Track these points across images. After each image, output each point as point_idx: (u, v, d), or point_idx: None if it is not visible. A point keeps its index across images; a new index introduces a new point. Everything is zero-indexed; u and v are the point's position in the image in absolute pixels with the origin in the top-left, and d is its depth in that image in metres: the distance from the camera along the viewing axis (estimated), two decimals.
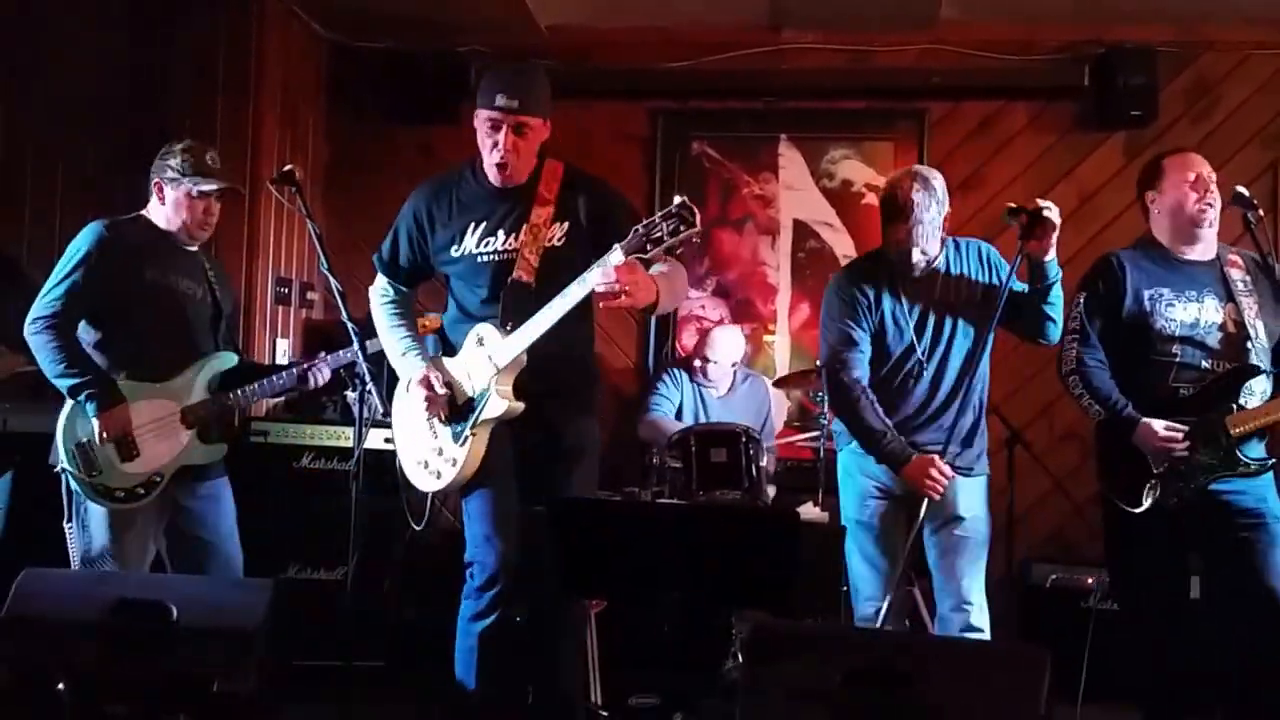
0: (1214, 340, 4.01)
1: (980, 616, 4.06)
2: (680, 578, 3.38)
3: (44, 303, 4.12)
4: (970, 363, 4.11)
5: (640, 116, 6.88)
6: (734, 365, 6.15)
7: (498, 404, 3.75)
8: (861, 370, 4.15)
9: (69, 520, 4.15)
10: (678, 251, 3.63)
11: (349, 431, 5.25)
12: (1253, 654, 3.94)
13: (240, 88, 6.12)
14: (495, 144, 3.77)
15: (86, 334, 4.20)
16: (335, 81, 7.00)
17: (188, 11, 6.13)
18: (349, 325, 3.93)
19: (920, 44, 6.65)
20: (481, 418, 3.77)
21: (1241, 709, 4.07)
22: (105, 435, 4.06)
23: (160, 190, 4.29)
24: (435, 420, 3.86)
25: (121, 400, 4.10)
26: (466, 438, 3.79)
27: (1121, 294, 4.09)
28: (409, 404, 3.94)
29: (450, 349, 3.97)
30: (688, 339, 6.68)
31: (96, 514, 4.11)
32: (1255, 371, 3.97)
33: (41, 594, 3.27)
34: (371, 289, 4.11)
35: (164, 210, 4.31)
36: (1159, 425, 3.92)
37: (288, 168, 4.19)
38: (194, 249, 4.42)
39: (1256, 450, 3.97)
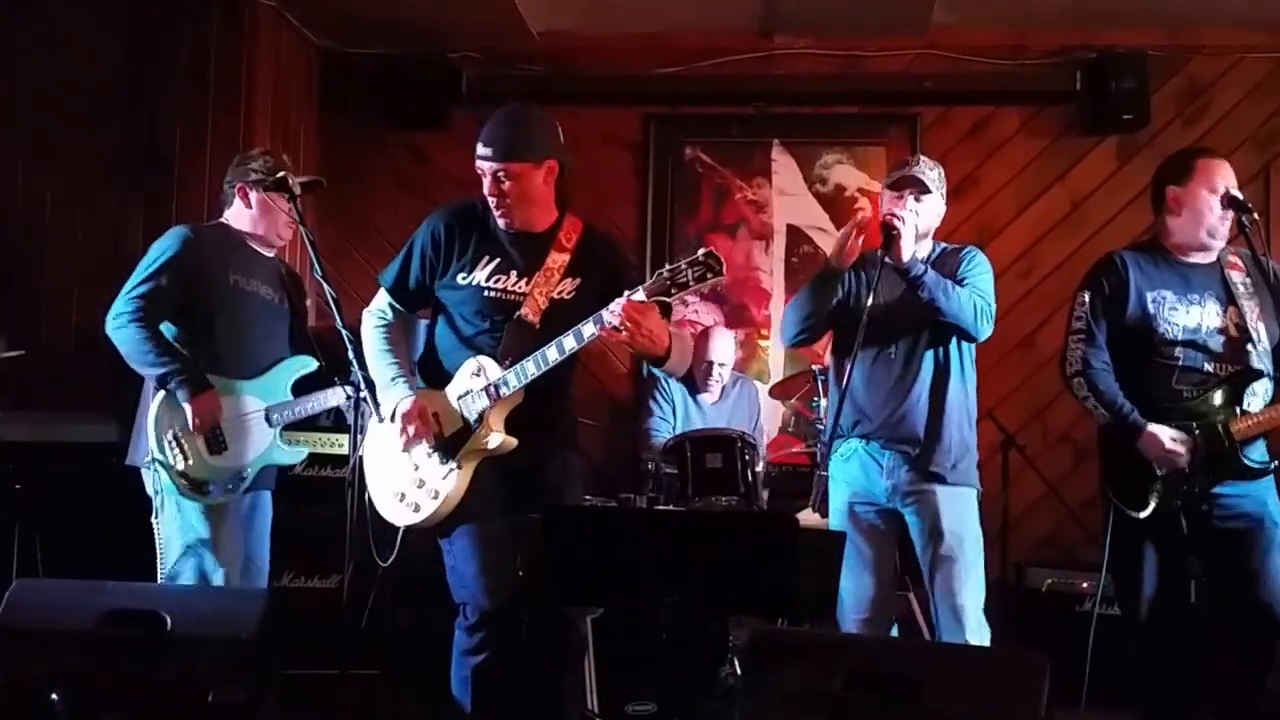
0: (1216, 344, 4.00)
1: (976, 637, 3.98)
2: (678, 584, 3.36)
3: (126, 300, 4.15)
4: (942, 366, 4.08)
5: (632, 122, 6.88)
6: (731, 363, 6.15)
7: (493, 437, 3.71)
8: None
9: (156, 516, 4.13)
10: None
11: (343, 439, 5.24)
12: (1250, 657, 3.94)
13: (232, 94, 6.12)
14: (487, 189, 3.77)
15: (168, 334, 4.21)
16: (327, 88, 6.98)
17: (180, 18, 6.12)
18: (343, 332, 3.90)
19: (912, 49, 6.65)
20: (472, 448, 3.73)
21: (1238, 712, 4.06)
22: (198, 422, 4.08)
23: (244, 194, 4.36)
24: (418, 451, 3.79)
25: (211, 388, 4.13)
26: (452, 470, 3.73)
27: (1126, 294, 4.06)
28: (387, 434, 3.85)
29: (434, 378, 3.90)
30: None
31: (191, 510, 4.11)
32: (1257, 375, 3.97)
33: (34, 604, 3.25)
34: (367, 310, 4.00)
35: (248, 214, 4.38)
36: (1165, 435, 3.91)
37: (281, 174, 4.17)
38: (271, 255, 4.48)
39: (1258, 453, 3.97)
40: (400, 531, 3.86)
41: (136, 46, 6.12)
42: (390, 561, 3.88)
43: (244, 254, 4.36)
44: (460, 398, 3.77)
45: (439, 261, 3.86)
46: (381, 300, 3.97)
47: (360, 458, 3.95)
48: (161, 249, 4.22)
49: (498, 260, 3.81)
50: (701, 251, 3.45)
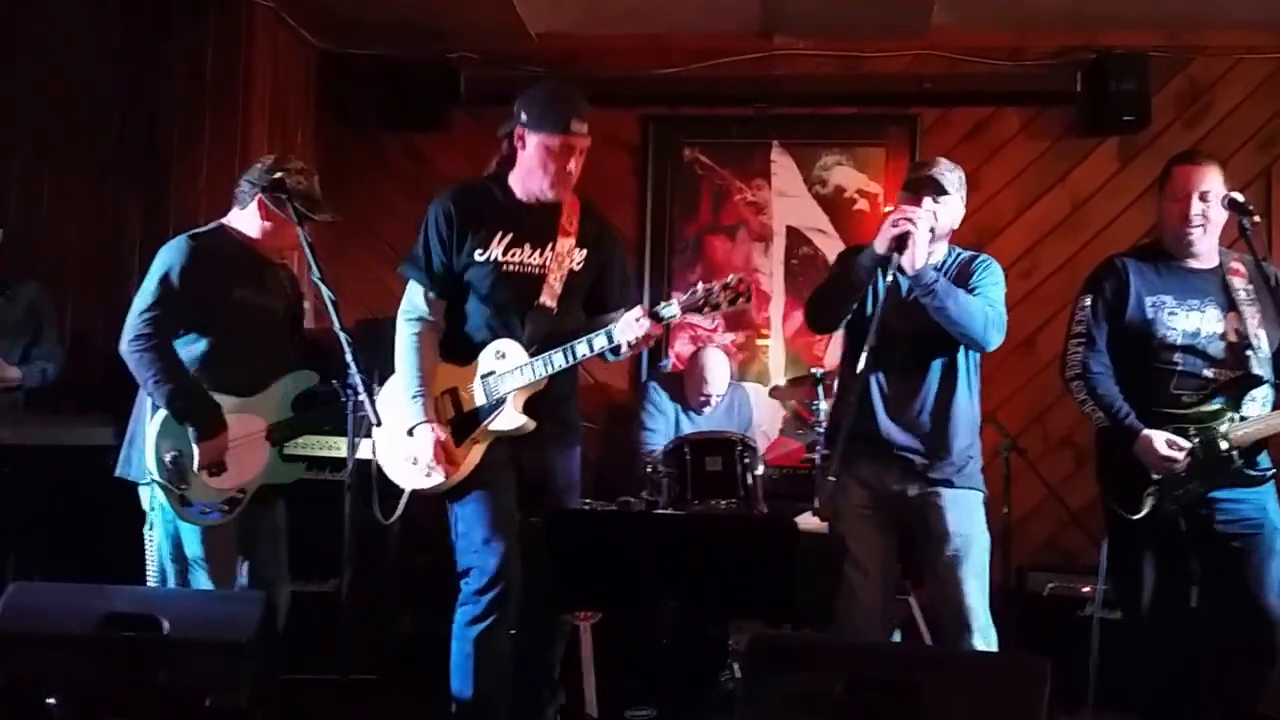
0: (1215, 350, 4.00)
1: (982, 641, 3.91)
2: (678, 588, 3.35)
3: (138, 321, 4.02)
4: (949, 370, 4.03)
5: (631, 123, 6.86)
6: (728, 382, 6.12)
7: (513, 418, 3.87)
8: None
9: (150, 528, 4.08)
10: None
11: (340, 441, 5.21)
12: (1247, 662, 3.92)
13: (229, 95, 6.09)
14: (565, 167, 3.91)
15: (176, 345, 4.12)
16: (324, 88, 6.96)
17: (177, 19, 6.11)
18: (341, 335, 3.88)
19: (912, 50, 6.64)
20: (491, 427, 3.90)
21: (1237, 716, 4.04)
22: (204, 462, 4.00)
23: (264, 205, 4.18)
24: (437, 425, 3.92)
25: (223, 428, 4.04)
26: (467, 443, 3.91)
27: (1126, 298, 4.07)
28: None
29: (455, 354, 4.01)
30: (681, 347, 6.66)
31: (188, 530, 4.05)
32: (1257, 381, 3.95)
33: (31, 608, 3.25)
34: (402, 310, 4.06)
35: (260, 224, 4.22)
36: (1160, 439, 3.91)
37: (278, 175, 4.13)
38: (276, 261, 4.38)
39: (1259, 460, 3.94)
40: (406, 492, 4.02)
41: (133, 47, 6.10)
42: (393, 520, 4.08)
43: (248, 263, 4.24)
44: (483, 377, 3.92)
45: (451, 239, 3.97)
46: (416, 295, 4.03)
47: (358, 461, 3.96)
48: (166, 264, 4.08)
49: (511, 235, 3.95)
50: (734, 277, 3.71)
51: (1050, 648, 3.18)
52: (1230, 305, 4.02)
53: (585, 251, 4.02)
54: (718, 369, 6.03)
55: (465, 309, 4.02)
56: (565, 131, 3.87)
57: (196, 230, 4.27)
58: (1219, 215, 4.05)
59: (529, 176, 3.97)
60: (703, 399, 6.02)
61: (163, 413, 4.02)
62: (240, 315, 4.17)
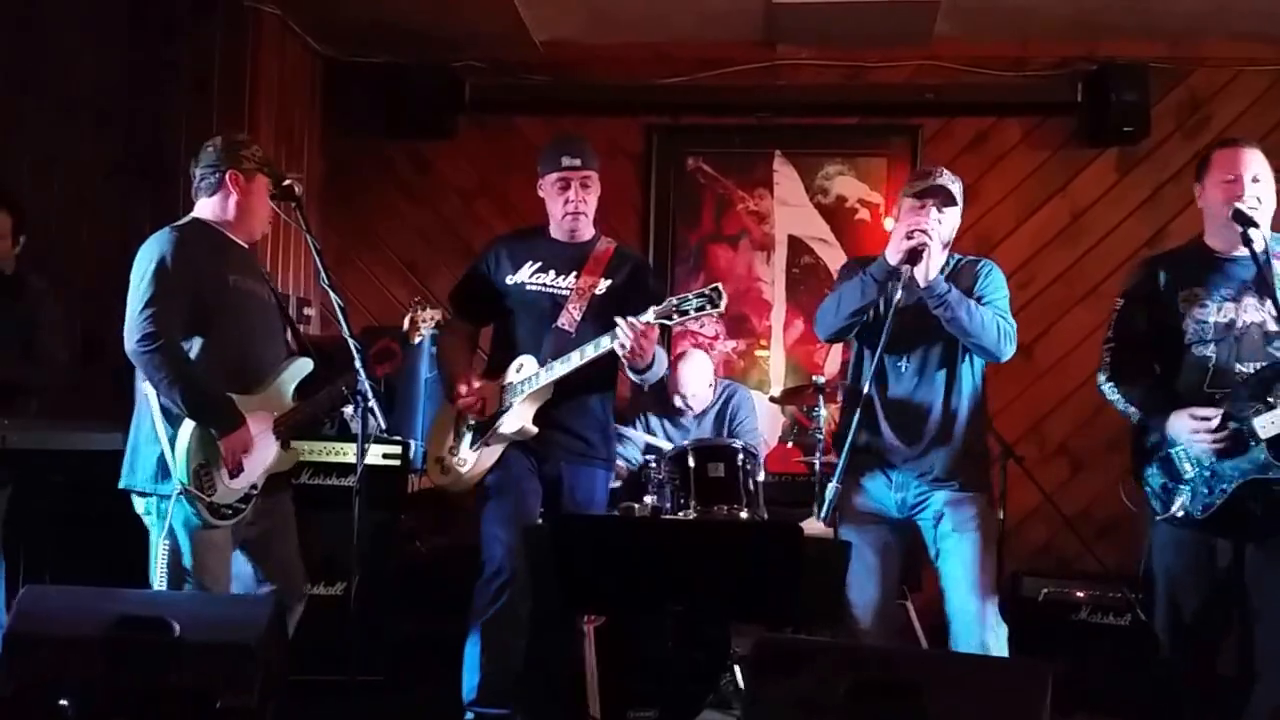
0: (1250, 341, 3.82)
1: (993, 636, 3.88)
2: (682, 592, 3.38)
3: (140, 321, 3.81)
4: (954, 378, 4.02)
5: (634, 132, 6.89)
6: (709, 386, 5.97)
7: (515, 420, 4.27)
8: None
9: (167, 536, 3.88)
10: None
11: (347, 447, 5.25)
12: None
13: (236, 102, 6.12)
14: (567, 198, 4.40)
15: (184, 344, 3.95)
16: (330, 96, 7.00)
17: (184, 27, 6.14)
18: (350, 341, 3.89)
19: (914, 60, 6.67)
20: (498, 431, 4.29)
21: None
22: (231, 458, 3.87)
23: (236, 181, 4.02)
24: (462, 427, 4.41)
25: (243, 422, 3.90)
26: (479, 445, 4.32)
27: (1158, 298, 3.93)
28: (445, 412, 4.53)
29: (489, 373, 4.48)
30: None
31: (183, 542, 3.89)
32: None
33: (44, 611, 3.27)
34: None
35: (235, 202, 4.04)
36: (1197, 411, 3.73)
37: (287, 182, 4.10)
38: (248, 249, 4.22)
39: None
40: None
41: (140, 55, 6.13)
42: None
43: (233, 250, 4.08)
44: (503, 387, 4.36)
45: (490, 273, 4.51)
46: (450, 315, 4.59)
47: (366, 466, 4.00)
48: (155, 254, 3.90)
49: (540, 263, 4.45)
50: (709, 286, 4.04)
51: (1044, 653, 3.19)
52: (1269, 292, 3.78)
53: (610, 282, 4.40)
54: (691, 372, 5.89)
55: (497, 328, 4.55)
56: (558, 168, 4.40)
57: (176, 225, 4.08)
58: (1270, 200, 3.88)
59: (551, 215, 4.50)
60: (680, 403, 5.88)
61: (190, 424, 3.86)
62: (238, 304, 4.03)
